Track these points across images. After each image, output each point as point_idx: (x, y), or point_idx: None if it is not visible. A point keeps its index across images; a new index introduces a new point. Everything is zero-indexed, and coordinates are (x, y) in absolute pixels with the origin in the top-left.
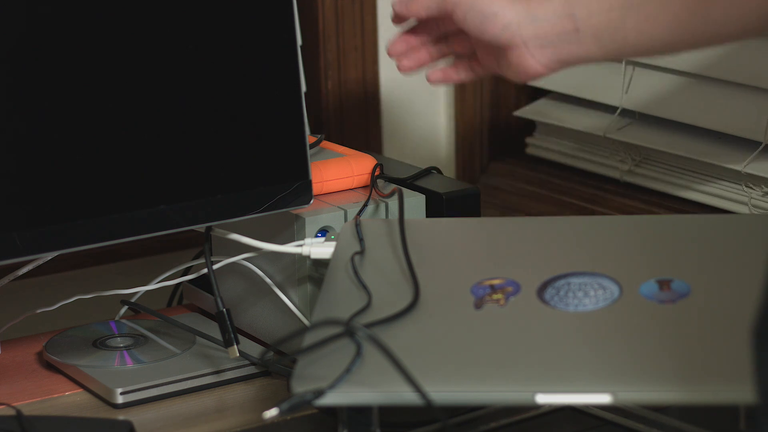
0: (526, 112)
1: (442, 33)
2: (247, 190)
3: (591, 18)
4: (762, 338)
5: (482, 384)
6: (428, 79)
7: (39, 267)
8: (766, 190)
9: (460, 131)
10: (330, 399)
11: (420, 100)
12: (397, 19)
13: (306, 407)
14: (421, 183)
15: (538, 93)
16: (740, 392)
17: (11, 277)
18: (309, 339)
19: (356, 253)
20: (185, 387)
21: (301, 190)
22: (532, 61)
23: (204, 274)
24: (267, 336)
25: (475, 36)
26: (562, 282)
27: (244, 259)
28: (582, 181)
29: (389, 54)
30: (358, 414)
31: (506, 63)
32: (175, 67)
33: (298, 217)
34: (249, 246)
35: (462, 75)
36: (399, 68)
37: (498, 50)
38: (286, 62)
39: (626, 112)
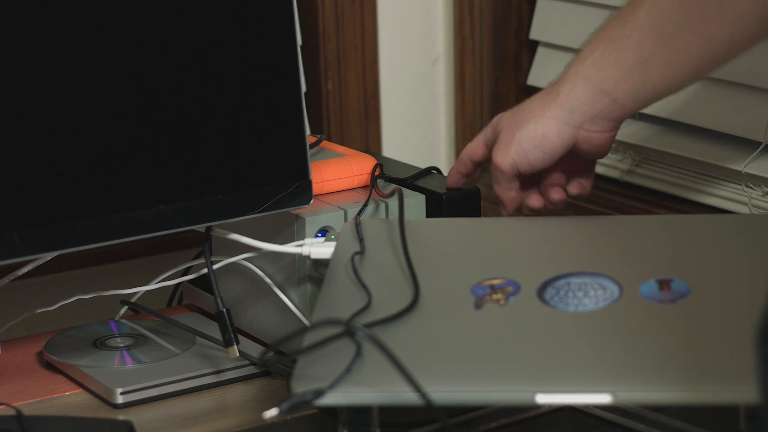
0: None
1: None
2: (247, 190)
3: (619, 86)
4: (766, 339)
5: (482, 384)
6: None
7: (39, 267)
8: (766, 190)
9: (460, 131)
10: (330, 399)
11: (420, 100)
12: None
13: (306, 407)
14: (421, 183)
15: None
16: (740, 392)
17: (11, 277)
18: (309, 339)
19: (356, 253)
20: (185, 387)
21: (301, 190)
22: (596, 136)
23: (204, 274)
24: (267, 336)
25: (550, 162)
26: (562, 282)
27: (244, 259)
28: None
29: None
30: (358, 414)
31: (581, 153)
32: (175, 68)
33: (298, 217)
34: (249, 246)
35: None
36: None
37: (568, 155)
38: (286, 62)
39: None
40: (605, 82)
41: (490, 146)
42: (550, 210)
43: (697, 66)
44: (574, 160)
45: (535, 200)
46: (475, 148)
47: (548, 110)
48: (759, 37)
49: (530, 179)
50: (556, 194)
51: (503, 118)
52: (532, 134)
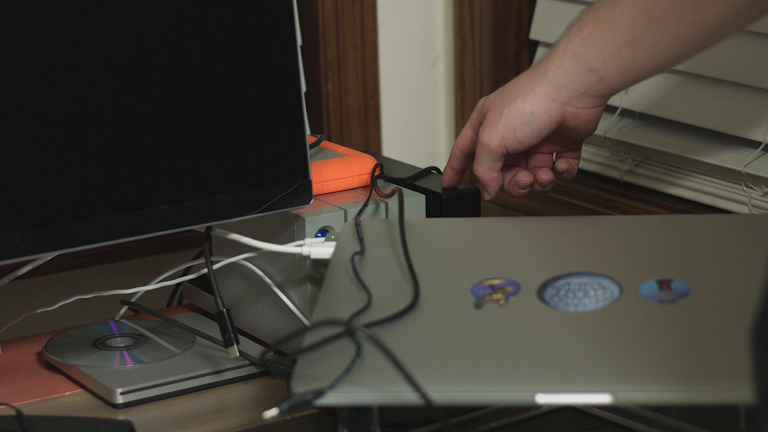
0: None
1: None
2: (247, 190)
3: (607, 64)
4: (761, 338)
5: (482, 384)
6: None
7: (39, 267)
8: (766, 190)
9: (459, 131)
10: (330, 399)
11: (420, 100)
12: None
13: (306, 407)
14: (421, 183)
15: None
16: (740, 392)
17: (11, 277)
18: (309, 339)
19: (356, 253)
20: (185, 387)
21: (301, 190)
22: (584, 112)
23: (204, 274)
24: (267, 336)
25: (538, 139)
26: (562, 282)
27: (244, 259)
28: (582, 181)
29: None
30: (358, 414)
31: (569, 129)
32: (175, 67)
33: (298, 217)
34: (249, 246)
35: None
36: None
37: (555, 132)
38: (286, 62)
39: (626, 112)
40: (594, 60)
41: (478, 131)
42: (538, 192)
43: (685, 48)
44: (561, 139)
45: (524, 176)
46: (465, 137)
47: (536, 87)
48: (748, 20)
49: (513, 161)
50: (545, 175)
51: (489, 99)
52: (520, 111)
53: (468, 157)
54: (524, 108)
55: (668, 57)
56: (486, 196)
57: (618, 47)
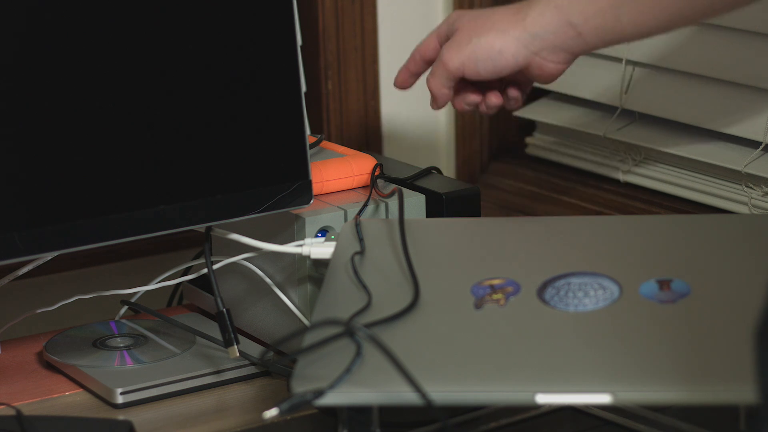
0: (526, 112)
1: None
2: (247, 190)
3: (588, 22)
4: (764, 338)
5: (482, 384)
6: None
7: (39, 267)
8: (766, 190)
9: (459, 131)
10: (330, 399)
11: (420, 100)
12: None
13: (306, 407)
14: (421, 183)
15: (538, 93)
16: (740, 392)
17: (11, 277)
18: (309, 339)
19: (356, 253)
20: (185, 387)
21: (301, 190)
22: (550, 65)
23: (204, 274)
24: (267, 336)
25: (496, 77)
26: (562, 282)
27: (244, 259)
28: (582, 181)
29: (401, 88)
30: (358, 414)
31: (530, 76)
32: (175, 67)
33: (298, 217)
34: (249, 246)
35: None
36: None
37: (516, 73)
38: (286, 62)
39: (626, 112)
40: (575, 15)
41: (443, 43)
42: (482, 113)
43: (671, 18)
44: (518, 76)
45: (473, 96)
46: (428, 45)
47: (512, 28)
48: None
49: (467, 81)
50: (495, 98)
51: (463, 18)
52: (488, 45)
53: (426, 64)
54: (494, 44)
55: (652, 26)
56: (434, 107)
57: (602, 6)
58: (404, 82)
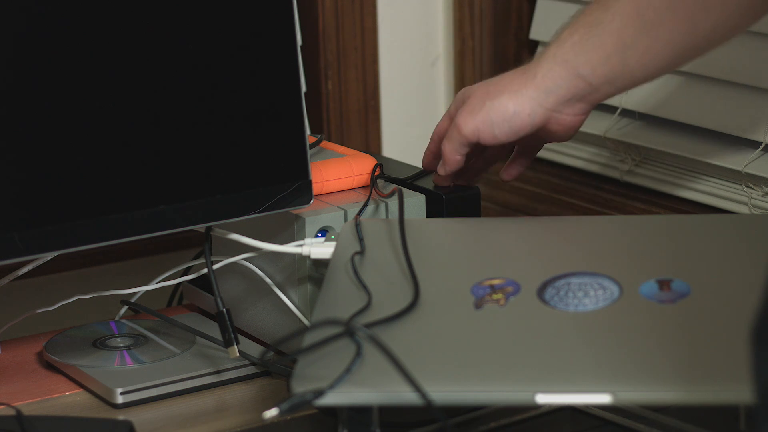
0: None
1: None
2: (247, 190)
3: (596, 71)
4: (761, 338)
5: (482, 384)
6: (503, 179)
7: (39, 267)
8: (766, 190)
9: None
10: (330, 399)
11: (420, 100)
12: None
13: (306, 407)
14: (421, 183)
15: None
16: (740, 392)
17: (11, 277)
18: (309, 339)
19: (356, 253)
20: (185, 387)
21: (301, 190)
22: (569, 118)
23: (204, 274)
24: (267, 336)
25: (514, 138)
26: (562, 282)
27: (244, 259)
28: (582, 181)
29: (429, 170)
30: (358, 414)
31: (549, 134)
32: (175, 67)
33: (298, 217)
34: (249, 246)
35: (524, 165)
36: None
37: (535, 134)
38: (286, 62)
39: (626, 112)
40: (583, 66)
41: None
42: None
43: (678, 54)
44: (527, 139)
45: (515, 170)
46: (443, 125)
47: (524, 89)
48: (742, 26)
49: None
50: (506, 175)
51: (472, 89)
52: (503, 108)
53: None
54: (508, 106)
55: (659, 65)
56: (441, 171)
57: (608, 53)
58: (430, 164)
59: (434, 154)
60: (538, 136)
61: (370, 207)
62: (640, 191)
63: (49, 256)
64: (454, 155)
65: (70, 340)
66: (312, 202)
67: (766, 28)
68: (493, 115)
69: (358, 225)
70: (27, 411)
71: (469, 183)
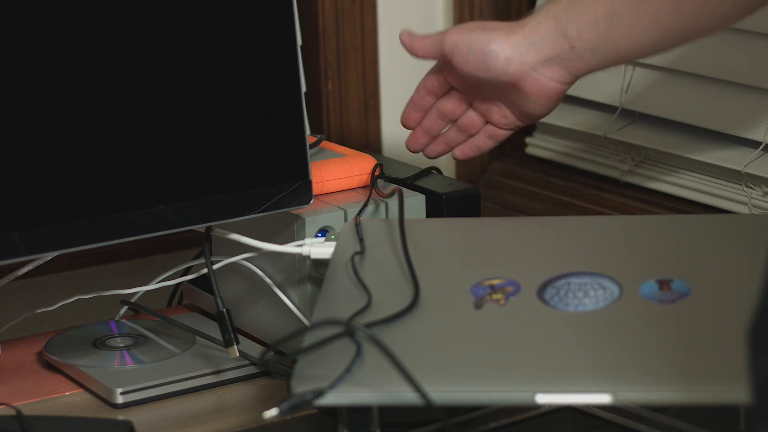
0: None
1: (447, 93)
2: (247, 190)
3: (582, 34)
4: (758, 339)
5: (482, 384)
6: (454, 156)
7: (39, 267)
8: (766, 190)
9: None
10: (330, 399)
11: None
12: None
13: (306, 407)
14: (421, 183)
15: None
16: (740, 392)
17: (11, 277)
18: (309, 339)
19: (356, 253)
20: (185, 387)
21: (301, 190)
22: (547, 80)
23: (204, 274)
24: (267, 336)
25: (481, 76)
26: (562, 282)
27: (244, 259)
28: (582, 181)
29: (406, 125)
30: (358, 414)
31: (524, 96)
32: (175, 67)
33: (298, 217)
34: (249, 246)
35: (486, 143)
36: (427, 154)
37: (510, 90)
38: (286, 62)
39: (626, 112)
40: (570, 26)
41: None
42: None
43: (662, 34)
44: (508, 106)
45: (439, 145)
46: (430, 77)
47: (512, 35)
48: (731, 16)
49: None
50: (460, 153)
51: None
52: (487, 41)
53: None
54: (491, 42)
55: (644, 41)
56: (403, 38)
57: (596, 18)
58: (409, 117)
59: (416, 105)
60: (512, 98)
61: (370, 207)
62: (640, 191)
63: (49, 256)
64: (423, 43)
65: (70, 340)
66: (312, 202)
67: (766, 28)
68: (475, 43)
69: (358, 225)
70: (27, 411)
71: (439, 155)
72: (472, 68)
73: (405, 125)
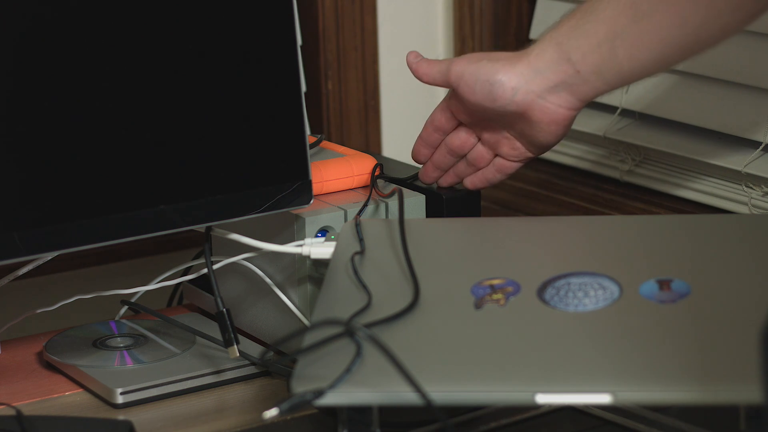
0: None
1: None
2: (247, 190)
3: (586, 58)
4: None
5: (482, 384)
6: (465, 186)
7: (39, 267)
8: (766, 190)
9: None
10: (330, 399)
11: (420, 100)
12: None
13: (306, 407)
14: (421, 183)
15: None
16: (741, 392)
17: (11, 277)
18: (309, 339)
19: (356, 253)
20: (185, 387)
21: (301, 190)
22: (555, 107)
23: (204, 274)
24: (267, 336)
25: (488, 106)
26: (562, 282)
27: (244, 259)
28: (582, 181)
29: (417, 161)
30: (358, 414)
31: (532, 125)
32: (175, 67)
33: (298, 217)
34: (249, 246)
35: (495, 176)
36: (439, 185)
37: (518, 119)
38: (286, 62)
39: (626, 112)
40: (573, 51)
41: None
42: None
43: (665, 51)
44: (516, 139)
45: (450, 177)
46: (438, 113)
47: (518, 64)
48: (732, 26)
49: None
50: (470, 183)
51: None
52: (493, 71)
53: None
54: (498, 71)
55: (647, 58)
56: (410, 58)
57: (598, 40)
58: (419, 153)
59: (425, 141)
60: (520, 128)
61: (370, 207)
62: (640, 191)
63: (49, 256)
64: (429, 69)
65: (70, 340)
66: (312, 202)
67: (766, 28)
68: (481, 73)
69: (358, 225)
70: (27, 411)
71: (452, 186)
72: (478, 98)
73: (416, 160)
